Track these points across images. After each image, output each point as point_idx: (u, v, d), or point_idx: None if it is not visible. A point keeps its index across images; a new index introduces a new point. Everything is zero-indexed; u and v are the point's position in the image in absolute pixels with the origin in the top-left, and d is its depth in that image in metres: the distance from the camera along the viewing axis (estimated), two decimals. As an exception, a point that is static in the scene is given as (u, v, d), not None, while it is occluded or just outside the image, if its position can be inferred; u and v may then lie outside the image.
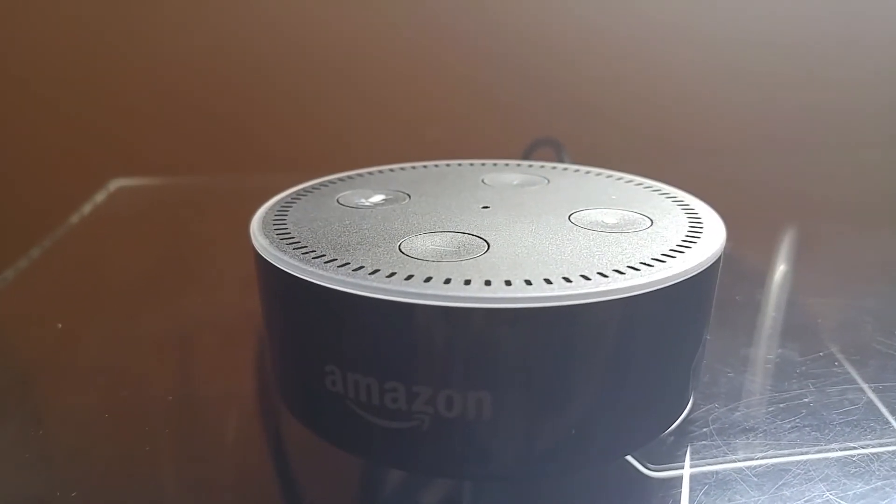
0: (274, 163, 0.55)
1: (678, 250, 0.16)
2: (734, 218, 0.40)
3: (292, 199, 0.21)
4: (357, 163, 0.26)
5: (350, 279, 0.15)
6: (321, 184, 0.22)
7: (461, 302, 0.14)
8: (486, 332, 0.14)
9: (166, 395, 0.21)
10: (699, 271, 0.16)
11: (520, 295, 0.14)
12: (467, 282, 0.14)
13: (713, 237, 0.17)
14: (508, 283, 0.14)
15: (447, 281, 0.14)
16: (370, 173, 0.24)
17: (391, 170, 0.24)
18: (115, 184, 0.44)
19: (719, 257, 0.17)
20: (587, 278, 0.15)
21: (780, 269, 0.32)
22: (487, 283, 0.14)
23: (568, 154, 0.37)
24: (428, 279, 0.15)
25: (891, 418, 0.19)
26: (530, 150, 0.42)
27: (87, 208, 0.41)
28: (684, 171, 0.51)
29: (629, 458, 0.18)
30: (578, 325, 0.14)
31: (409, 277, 0.15)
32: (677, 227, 0.18)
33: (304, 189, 0.22)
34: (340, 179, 0.23)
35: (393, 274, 0.15)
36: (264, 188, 0.23)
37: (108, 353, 0.25)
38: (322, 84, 0.55)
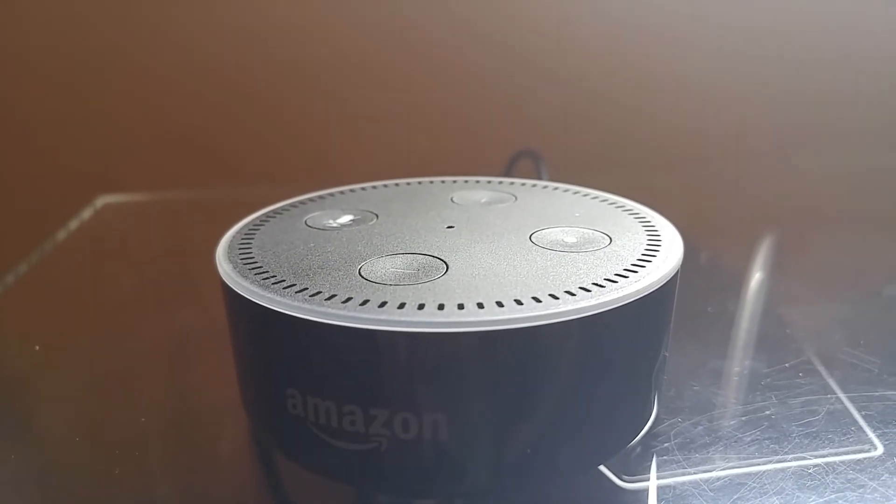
0: (261, 176, 0.56)
1: (632, 270, 0.17)
2: (718, 226, 0.41)
3: (261, 221, 0.21)
4: (343, 174, 0.27)
5: (306, 305, 0.15)
6: (291, 205, 0.23)
7: (414, 327, 0.14)
8: (440, 355, 0.15)
9: (139, 416, 0.22)
10: (650, 291, 0.16)
11: (472, 319, 0.14)
12: (421, 306, 0.15)
13: (669, 256, 0.18)
14: (461, 306, 0.15)
15: (401, 306, 0.15)
16: (341, 192, 0.24)
17: (363, 188, 0.25)
18: (102, 200, 0.44)
19: (674, 276, 0.17)
20: (538, 300, 0.15)
21: (756, 278, 0.32)
22: (440, 307, 0.15)
23: (546, 167, 0.37)
24: (383, 304, 0.15)
25: (853, 427, 0.20)
26: (513, 162, 0.43)
27: (73, 224, 0.41)
28: (671, 180, 0.51)
29: (604, 469, 0.19)
30: (529, 347, 0.15)
31: (365, 303, 0.15)
32: (635, 245, 0.18)
33: (273, 211, 0.22)
34: (311, 200, 0.23)
35: (349, 299, 0.15)
36: (252, 202, 0.23)
37: (87, 371, 0.26)
38: (308, 97, 0.55)
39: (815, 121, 0.60)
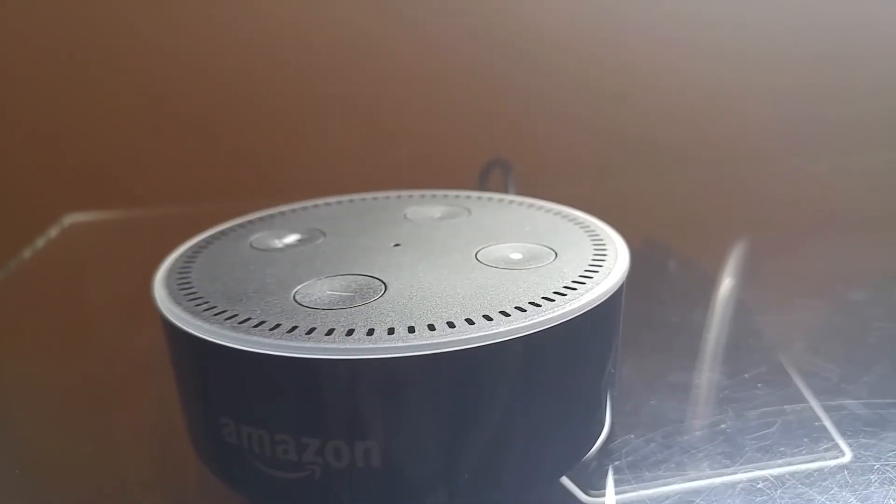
0: (230, 191, 0.55)
1: (571, 287, 0.16)
2: (701, 231, 0.41)
3: (206, 242, 0.21)
4: (323, 183, 0.27)
5: (232, 333, 0.15)
6: (239, 224, 0.22)
7: (341, 354, 0.14)
8: (368, 382, 0.14)
9: (85, 444, 0.21)
10: (589, 309, 0.16)
11: (402, 344, 0.14)
12: (350, 332, 0.14)
13: (612, 272, 0.17)
14: (391, 331, 0.14)
15: (330, 332, 0.14)
16: (293, 210, 0.24)
17: (315, 206, 0.24)
18: (69, 219, 0.43)
19: (616, 292, 0.17)
20: (471, 322, 0.15)
21: (723, 286, 0.32)
22: (370, 332, 0.14)
23: (513, 176, 0.37)
24: (311, 331, 0.15)
25: (806, 439, 0.19)
26: (488, 169, 0.43)
27: (40, 242, 0.41)
28: (659, 183, 0.51)
29: (569, 483, 0.18)
30: (461, 371, 0.14)
31: (293, 329, 0.15)
32: (579, 261, 0.18)
33: (220, 231, 0.22)
34: (260, 219, 0.23)
35: (277, 326, 0.15)
36: (221, 217, 0.22)
37: (48, 391, 0.25)
38: (284, 107, 0.55)
39: (809, 123, 0.60)
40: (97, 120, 0.53)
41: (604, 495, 0.18)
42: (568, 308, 0.15)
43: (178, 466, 0.21)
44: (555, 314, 0.15)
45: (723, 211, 0.45)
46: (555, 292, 0.16)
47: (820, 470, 0.18)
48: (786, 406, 0.21)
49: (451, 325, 0.15)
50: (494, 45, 0.56)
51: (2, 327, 0.32)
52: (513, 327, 0.15)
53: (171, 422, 0.23)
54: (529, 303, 0.16)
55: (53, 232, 0.42)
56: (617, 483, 0.18)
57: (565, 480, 0.18)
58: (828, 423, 0.20)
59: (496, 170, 0.42)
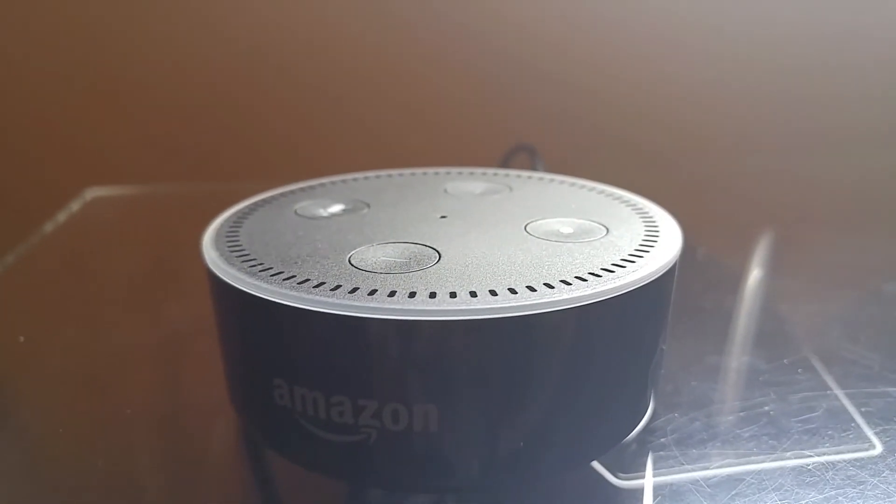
0: (252, 172, 0.55)
1: (629, 260, 0.16)
2: (715, 223, 0.40)
3: (250, 209, 0.20)
4: (336, 169, 0.26)
5: (293, 292, 0.14)
6: (281, 194, 0.22)
7: (405, 315, 0.14)
8: (430, 344, 0.14)
9: (125, 410, 0.21)
10: (647, 282, 0.16)
11: (464, 307, 0.14)
12: (412, 294, 0.14)
13: (667, 247, 0.17)
14: (453, 295, 0.14)
15: (392, 294, 0.14)
16: (332, 182, 0.23)
17: (354, 179, 0.24)
18: (91, 192, 0.43)
19: (672, 267, 0.17)
20: (533, 289, 0.15)
21: (754, 275, 0.32)
22: (432, 295, 0.14)
23: (542, 160, 0.37)
24: (372, 292, 0.14)
25: (853, 423, 0.19)
26: (509, 157, 0.42)
27: (61, 216, 0.41)
28: (667, 179, 0.51)
29: (598, 466, 0.18)
30: (523, 337, 0.14)
31: (354, 290, 0.14)
32: (632, 236, 0.18)
33: (263, 199, 0.21)
34: (301, 189, 0.23)
35: (338, 287, 0.15)
36: (242, 196, 0.22)
37: (73, 364, 0.25)
38: (301, 92, 0.55)
39: (809, 122, 0.60)
40: (118, 97, 0.53)
41: (643, 477, 0.18)
42: (631, 279, 0.15)
43: (219, 438, 0.21)
44: (618, 284, 0.15)
45: (738, 206, 0.44)
46: (613, 264, 0.16)
47: (870, 454, 0.18)
48: (828, 391, 0.21)
49: (512, 291, 0.14)
50: (499, 45, 0.56)
51: (23, 300, 0.31)
52: (575, 295, 0.14)
53: (204, 385, 0.23)
54: (589, 273, 0.15)
55: (75, 206, 0.42)
56: (664, 461, 0.18)
57: (597, 465, 0.18)
58: (873, 409, 0.20)
59: (520, 156, 0.42)
